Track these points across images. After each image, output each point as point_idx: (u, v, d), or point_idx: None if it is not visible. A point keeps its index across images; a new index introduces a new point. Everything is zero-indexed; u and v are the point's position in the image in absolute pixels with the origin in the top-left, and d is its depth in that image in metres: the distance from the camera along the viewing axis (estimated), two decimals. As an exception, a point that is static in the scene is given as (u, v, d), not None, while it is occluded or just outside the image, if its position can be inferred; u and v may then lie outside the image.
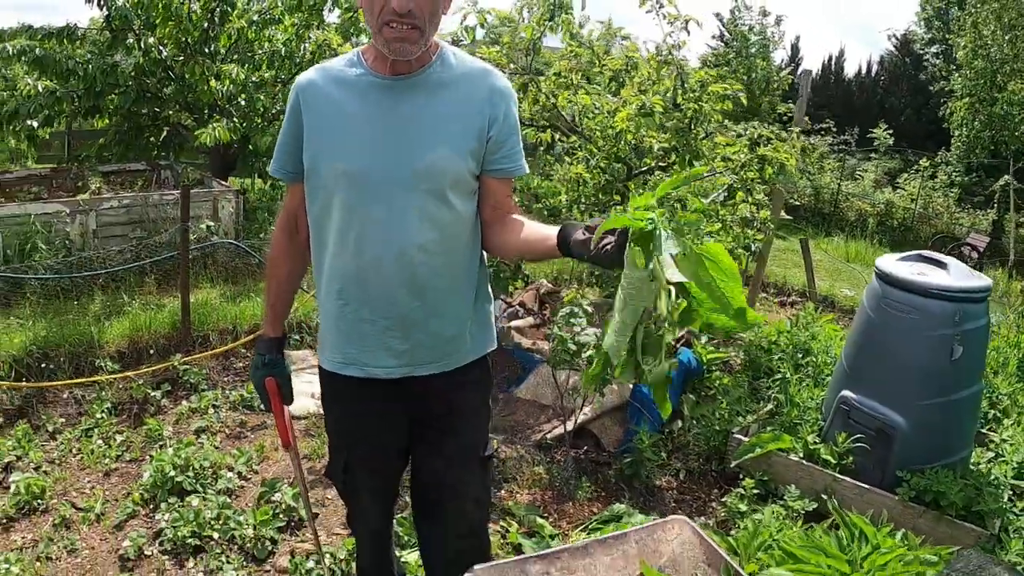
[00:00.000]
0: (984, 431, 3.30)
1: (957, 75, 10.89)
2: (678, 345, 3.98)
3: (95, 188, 6.24)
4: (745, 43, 15.75)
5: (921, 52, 16.69)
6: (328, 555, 2.42)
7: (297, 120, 1.53)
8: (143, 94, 6.96)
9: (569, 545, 1.59)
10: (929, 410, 2.78)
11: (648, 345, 0.99)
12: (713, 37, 18.19)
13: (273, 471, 3.08)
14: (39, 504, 2.78)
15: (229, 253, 5.63)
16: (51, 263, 4.91)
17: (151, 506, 2.79)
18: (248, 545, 2.56)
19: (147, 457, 3.08)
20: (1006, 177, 9.78)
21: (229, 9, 6.80)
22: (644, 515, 2.75)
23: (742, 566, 1.62)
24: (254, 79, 6.85)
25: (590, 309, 2.87)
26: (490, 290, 1.73)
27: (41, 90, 6.53)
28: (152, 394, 3.63)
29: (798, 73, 8.66)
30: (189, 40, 6.62)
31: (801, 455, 2.99)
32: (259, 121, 6.75)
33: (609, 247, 1.17)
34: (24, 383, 3.61)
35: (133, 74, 6.74)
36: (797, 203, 11.43)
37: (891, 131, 12.97)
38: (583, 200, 4.07)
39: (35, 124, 6.79)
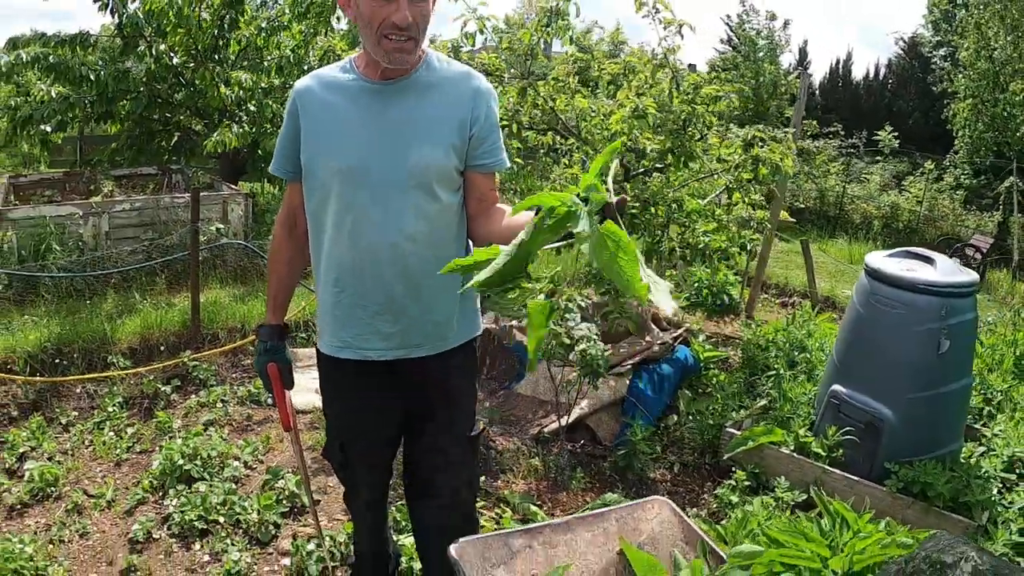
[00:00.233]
0: (977, 427, 3.34)
1: (960, 76, 10.86)
2: (675, 344, 4.05)
3: (107, 191, 6.34)
4: (753, 47, 15.79)
5: (929, 55, 16.64)
6: (328, 538, 2.52)
7: (295, 123, 1.65)
8: (154, 100, 7.08)
9: (551, 521, 1.66)
10: (917, 403, 2.83)
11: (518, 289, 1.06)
12: (721, 41, 18.23)
13: (278, 460, 3.17)
14: (52, 491, 2.89)
15: (238, 254, 5.74)
16: (65, 263, 5.04)
17: (160, 493, 2.90)
18: (252, 529, 2.66)
19: (157, 448, 3.19)
20: (1011, 179, 9.76)
21: (238, 16, 6.93)
22: (635, 504, 2.81)
23: (716, 544, 1.69)
24: (263, 85, 6.95)
25: (583, 304, 2.95)
26: None
27: (54, 96, 6.64)
28: (162, 389, 3.75)
29: (798, 75, 8.70)
30: (199, 47, 6.73)
31: (792, 448, 3.05)
32: (268, 126, 6.85)
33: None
34: (39, 378, 3.73)
35: (144, 80, 6.84)
36: (802, 206, 11.43)
37: (898, 134, 12.93)
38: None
39: (48, 129, 6.93)
